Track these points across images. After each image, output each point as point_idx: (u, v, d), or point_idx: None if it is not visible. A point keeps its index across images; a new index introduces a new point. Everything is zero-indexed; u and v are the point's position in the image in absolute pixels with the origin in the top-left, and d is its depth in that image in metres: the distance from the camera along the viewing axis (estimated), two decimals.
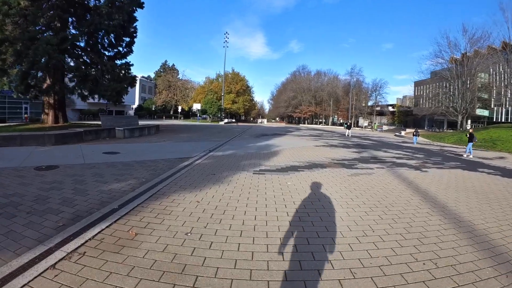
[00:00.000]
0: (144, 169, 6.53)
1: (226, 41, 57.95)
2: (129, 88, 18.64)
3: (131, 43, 18.97)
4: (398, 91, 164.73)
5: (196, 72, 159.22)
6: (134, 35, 18.91)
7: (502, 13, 31.96)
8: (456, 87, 38.04)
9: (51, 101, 17.14)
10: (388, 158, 10.87)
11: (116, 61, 18.42)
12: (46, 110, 17.44)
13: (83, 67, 15.58)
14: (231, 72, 70.50)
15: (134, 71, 76.36)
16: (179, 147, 11.46)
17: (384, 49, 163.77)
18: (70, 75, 15.87)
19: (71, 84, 16.17)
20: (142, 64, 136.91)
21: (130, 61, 18.86)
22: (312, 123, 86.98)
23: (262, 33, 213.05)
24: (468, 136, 13.98)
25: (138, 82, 68.11)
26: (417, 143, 21.98)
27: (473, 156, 13.14)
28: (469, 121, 43.54)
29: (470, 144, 13.47)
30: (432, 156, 12.61)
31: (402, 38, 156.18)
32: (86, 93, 15.81)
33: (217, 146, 12.18)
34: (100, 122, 15.82)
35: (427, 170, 8.35)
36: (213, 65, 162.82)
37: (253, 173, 6.39)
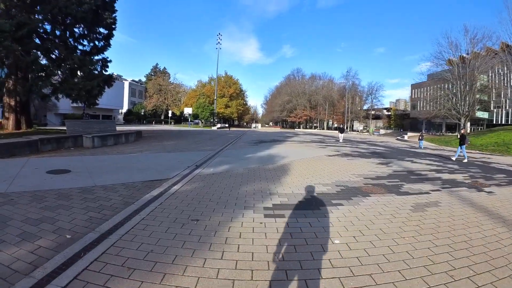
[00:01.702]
0: (84, 206, 3.95)
1: (219, 42, 55.86)
2: (105, 88, 15.95)
3: (109, 35, 16.35)
4: (390, 94, 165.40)
5: (188, 77, 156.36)
6: (113, 26, 16.30)
7: (507, 12, 30.53)
8: (459, 88, 36.55)
9: (12, 102, 14.44)
10: (427, 172, 8.53)
11: (92, 57, 15.77)
12: (6, 114, 14.75)
13: (46, 62, 12.86)
14: (224, 75, 68.07)
15: (124, 75, 73.25)
16: (156, 160, 8.81)
17: (376, 53, 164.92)
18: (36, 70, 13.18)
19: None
20: (133, 67, 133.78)
21: (107, 57, 16.27)
22: (306, 127, 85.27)
23: (256, 38, 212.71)
24: (459, 137, 12.83)
25: (127, 85, 65.13)
26: (423, 147, 21.10)
27: (468, 160, 12.17)
28: (468, 124, 42.23)
29: (463, 146, 12.36)
30: (468, 166, 10.40)
31: (393, 42, 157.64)
32: (47, 92, 12.99)
33: (208, 158, 9.61)
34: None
35: (491, 190, 6.26)
36: (206, 69, 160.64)
37: (265, 216, 3.82)
